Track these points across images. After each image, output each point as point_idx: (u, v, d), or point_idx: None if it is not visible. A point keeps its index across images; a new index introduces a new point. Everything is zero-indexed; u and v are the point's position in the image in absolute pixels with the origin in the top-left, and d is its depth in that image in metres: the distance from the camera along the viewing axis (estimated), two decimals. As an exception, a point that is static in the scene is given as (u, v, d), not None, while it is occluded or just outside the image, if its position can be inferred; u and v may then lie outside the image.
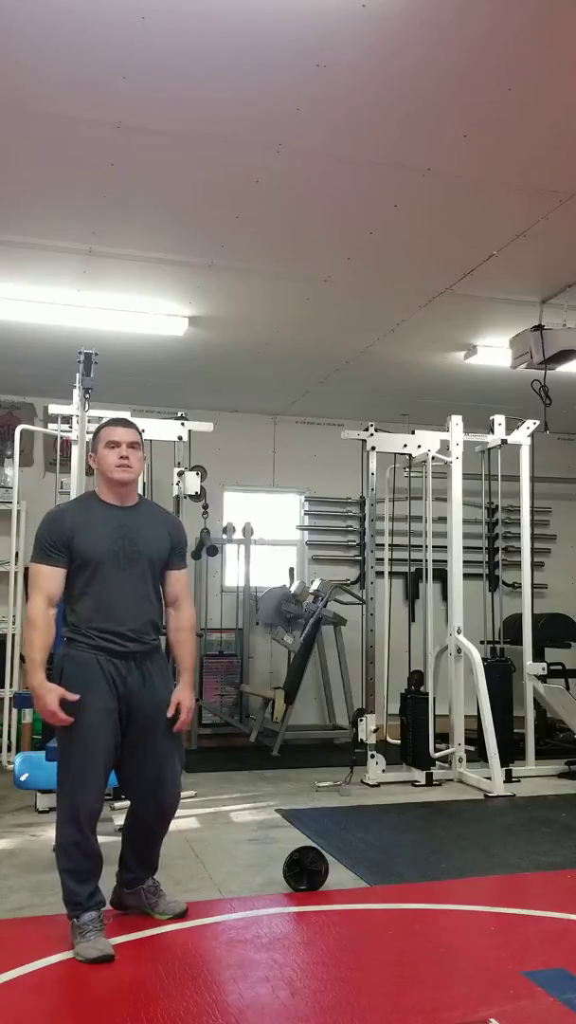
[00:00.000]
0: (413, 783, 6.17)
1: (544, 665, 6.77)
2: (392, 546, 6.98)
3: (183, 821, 5.04)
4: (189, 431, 6.29)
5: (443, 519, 6.73)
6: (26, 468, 7.17)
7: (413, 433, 6.59)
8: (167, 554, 3.45)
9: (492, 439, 6.84)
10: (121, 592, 3.30)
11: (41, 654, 3.24)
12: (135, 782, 3.39)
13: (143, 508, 3.51)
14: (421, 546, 6.71)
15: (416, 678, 6.54)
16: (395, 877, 4.14)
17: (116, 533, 3.32)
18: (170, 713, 3.36)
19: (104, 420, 3.60)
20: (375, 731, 6.21)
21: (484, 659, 6.42)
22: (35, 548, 3.35)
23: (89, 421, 5.59)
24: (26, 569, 7.38)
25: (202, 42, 3.16)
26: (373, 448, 6.45)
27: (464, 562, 6.65)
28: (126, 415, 6.14)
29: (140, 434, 3.50)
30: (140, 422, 6.02)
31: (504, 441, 6.79)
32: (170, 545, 3.46)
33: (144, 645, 3.34)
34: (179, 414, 6.34)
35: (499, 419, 6.81)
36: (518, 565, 7.06)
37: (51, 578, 3.28)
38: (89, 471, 6.30)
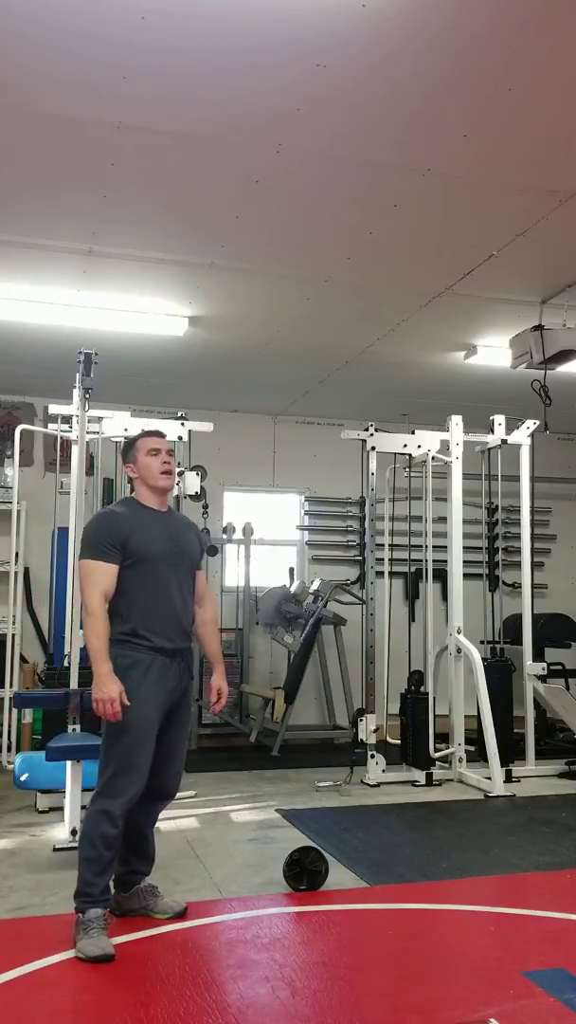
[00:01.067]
0: (413, 783, 6.17)
1: (544, 665, 6.77)
2: (392, 546, 6.98)
3: (183, 821, 5.04)
4: (189, 431, 6.29)
5: (443, 519, 6.73)
6: (26, 468, 7.18)
7: (413, 433, 6.59)
8: (199, 556, 3.67)
9: (492, 439, 6.84)
10: (174, 589, 3.48)
11: (104, 644, 3.33)
12: (152, 763, 3.43)
13: (174, 514, 3.77)
14: (421, 546, 6.71)
15: (416, 678, 6.54)
16: (395, 877, 4.14)
17: (163, 535, 3.50)
18: (213, 698, 3.65)
19: (137, 433, 3.80)
20: (375, 731, 6.21)
21: (484, 659, 6.42)
22: (87, 546, 3.45)
23: (89, 421, 5.59)
24: (26, 569, 7.45)
25: (202, 42, 3.17)
26: (373, 448, 6.45)
27: (464, 562, 6.66)
28: (126, 415, 6.19)
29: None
30: (140, 422, 6.10)
31: (504, 441, 6.79)
32: (199, 548, 3.68)
33: (188, 641, 3.56)
34: (179, 414, 6.35)
35: (499, 419, 6.81)
36: (518, 565, 7.06)
37: (107, 574, 3.38)
38: (89, 471, 6.37)
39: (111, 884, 3.43)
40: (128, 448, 3.66)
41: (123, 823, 3.34)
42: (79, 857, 3.35)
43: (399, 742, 6.54)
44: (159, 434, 3.70)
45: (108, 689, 3.24)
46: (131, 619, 3.40)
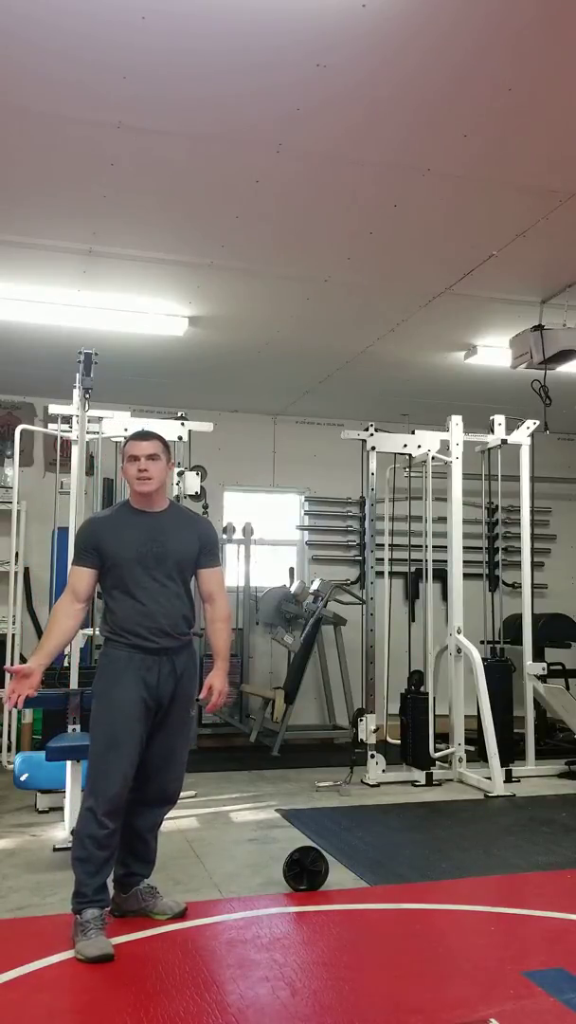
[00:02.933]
0: (413, 783, 6.17)
1: (544, 665, 6.77)
2: (392, 546, 6.97)
3: (183, 821, 5.05)
4: (189, 431, 6.29)
5: (443, 519, 6.73)
6: (26, 468, 7.17)
7: (413, 433, 6.59)
8: (196, 554, 3.61)
9: (492, 439, 6.84)
10: (152, 590, 3.47)
11: (53, 641, 3.45)
12: (144, 765, 3.44)
13: (172, 512, 3.68)
14: (421, 546, 6.71)
15: (416, 678, 6.54)
16: (395, 877, 4.14)
17: (145, 536, 3.50)
18: (203, 695, 3.57)
19: (129, 434, 3.81)
20: (375, 731, 6.21)
21: (484, 659, 6.42)
22: (74, 552, 3.66)
23: (89, 421, 5.59)
24: (26, 569, 7.45)
25: (202, 42, 3.17)
26: (373, 448, 6.45)
27: (464, 562, 6.66)
28: (126, 415, 6.18)
29: (162, 441, 3.62)
30: (140, 422, 6.08)
31: (504, 441, 6.79)
32: (199, 546, 3.62)
33: (176, 640, 3.49)
34: (179, 414, 6.35)
35: (499, 419, 6.81)
36: (518, 565, 7.06)
37: (80, 577, 3.50)
38: (89, 471, 6.37)
39: (111, 884, 3.43)
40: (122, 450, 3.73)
41: (114, 824, 3.32)
42: (72, 857, 3.36)
43: (399, 742, 6.53)
44: (143, 437, 3.62)
45: (16, 682, 3.37)
46: (113, 620, 3.47)
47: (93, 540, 3.50)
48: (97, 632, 5.16)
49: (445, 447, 6.63)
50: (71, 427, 5.65)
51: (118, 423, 6.08)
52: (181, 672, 3.49)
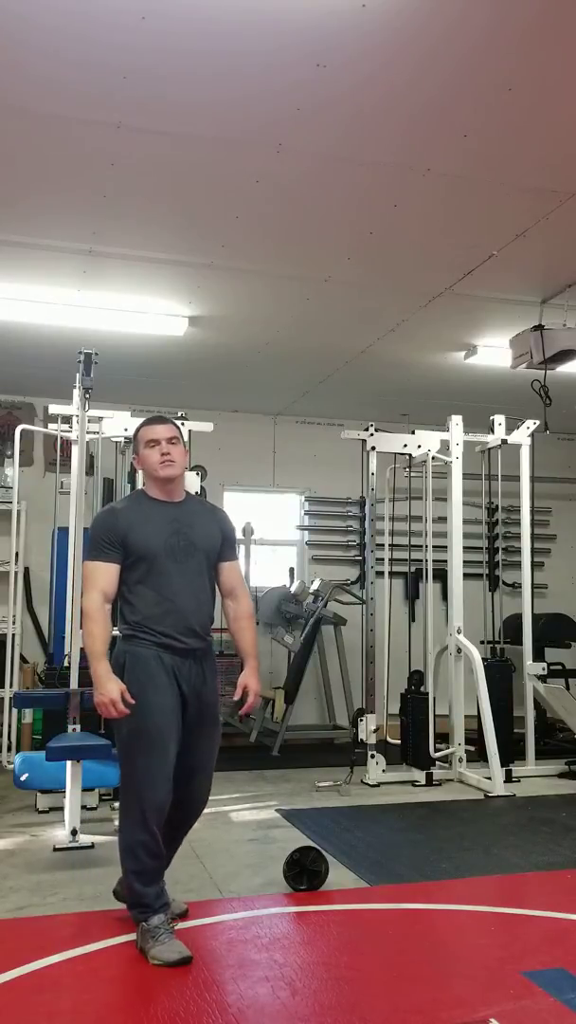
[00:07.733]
0: (413, 783, 6.17)
1: (544, 665, 6.77)
2: (392, 546, 6.98)
3: (183, 821, 5.04)
4: (189, 431, 6.29)
5: (443, 519, 6.73)
6: (26, 468, 7.17)
7: (413, 433, 6.59)
8: (219, 547, 3.45)
9: (492, 439, 6.84)
10: (181, 586, 3.30)
11: (102, 645, 3.21)
12: (179, 771, 3.29)
13: (192, 503, 3.53)
14: (421, 546, 6.71)
15: (416, 678, 6.54)
16: (395, 877, 4.14)
17: (170, 528, 3.33)
18: (237, 696, 3.43)
19: (141, 421, 3.59)
20: (375, 731, 6.21)
21: (484, 659, 6.42)
22: (89, 546, 3.36)
23: (89, 421, 5.59)
24: (26, 569, 7.45)
25: (202, 43, 3.17)
26: (373, 448, 6.45)
27: (464, 562, 6.66)
28: (126, 415, 6.18)
29: (178, 428, 3.51)
30: (140, 422, 6.07)
31: (504, 441, 6.79)
32: (222, 538, 3.47)
33: (203, 641, 3.36)
34: (179, 414, 6.34)
35: (499, 419, 6.81)
36: (518, 565, 7.06)
37: (106, 574, 3.27)
38: (89, 471, 6.37)
39: (148, 888, 3.26)
40: (133, 440, 3.56)
41: (159, 828, 3.21)
42: (124, 870, 3.27)
43: (399, 742, 6.53)
44: (159, 421, 3.48)
45: (106, 689, 3.12)
46: (136, 618, 3.28)
47: (119, 532, 3.26)
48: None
49: (445, 447, 6.63)
50: (71, 427, 5.65)
51: (118, 423, 6.07)
52: (207, 673, 3.36)
